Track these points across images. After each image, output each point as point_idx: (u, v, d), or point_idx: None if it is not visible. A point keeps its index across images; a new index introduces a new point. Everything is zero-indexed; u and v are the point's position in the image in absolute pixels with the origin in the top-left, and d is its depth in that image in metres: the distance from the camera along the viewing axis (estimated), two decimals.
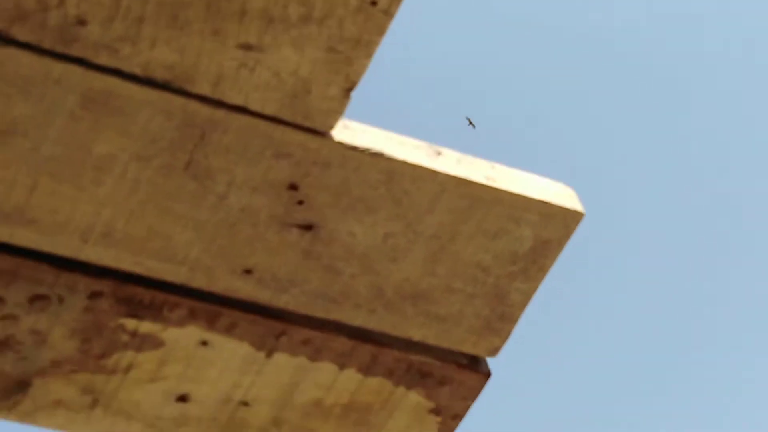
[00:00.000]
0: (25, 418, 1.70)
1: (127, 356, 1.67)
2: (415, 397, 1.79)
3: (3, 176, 1.50)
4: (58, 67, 1.45)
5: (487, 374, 1.79)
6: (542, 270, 1.69)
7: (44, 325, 1.62)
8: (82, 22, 1.43)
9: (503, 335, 1.75)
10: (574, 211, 1.64)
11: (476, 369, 1.79)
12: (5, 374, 1.65)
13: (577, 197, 1.66)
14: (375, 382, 1.76)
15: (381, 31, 1.49)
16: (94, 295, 1.61)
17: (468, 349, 1.76)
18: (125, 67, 1.47)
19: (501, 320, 1.73)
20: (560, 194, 1.64)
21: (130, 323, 1.65)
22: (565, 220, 1.65)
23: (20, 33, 1.42)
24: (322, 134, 1.55)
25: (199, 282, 1.63)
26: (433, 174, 1.59)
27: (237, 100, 1.51)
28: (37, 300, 1.60)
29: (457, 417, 1.82)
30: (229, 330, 1.68)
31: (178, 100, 1.49)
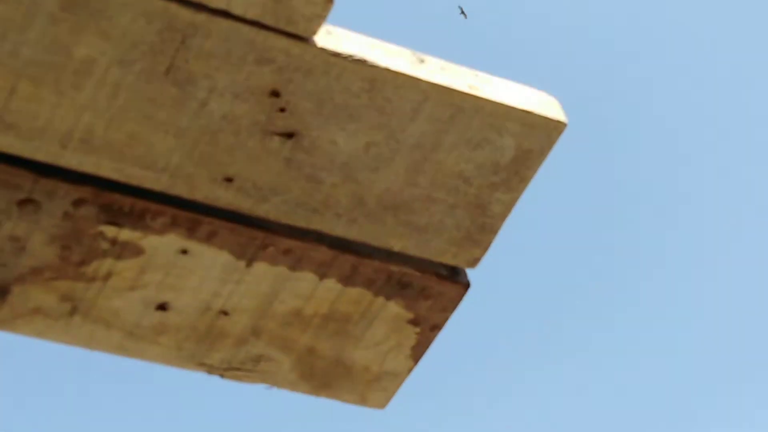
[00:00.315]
0: (3, 325, 1.69)
1: (106, 264, 1.66)
2: (394, 308, 1.79)
3: None
4: None
5: (467, 285, 1.80)
6: (523, 181, 1.69)
7: (23, 231, 1.61)
8: None
9: (483, 246, 1.75)
10: (557, 120, 1.64)
11: (456, 280, 1.79)
12: None
13: (560, 107, 1.66)
14: (355, 292, 1.76)
15: None
16: (73, 202, 1.60)
17: (448, 260, 1.76)
18: None
19: (481, 231, 1.73)
20: (543, 103, 1.64)
21: (110, 230, 1.64)
22: (548, 130, 1.64)
23: None
24: (305, 40, 1.53)
25: (179, 190, 1.62)
26: (415, 82, 1.58)
27: (219, 3, 1.49)
28: (17, 205, 1.59)
29: (436, 328, 1.83)
30: (210, 239, 1.67)
31: (159, 3, 1.47)
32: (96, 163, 1.57)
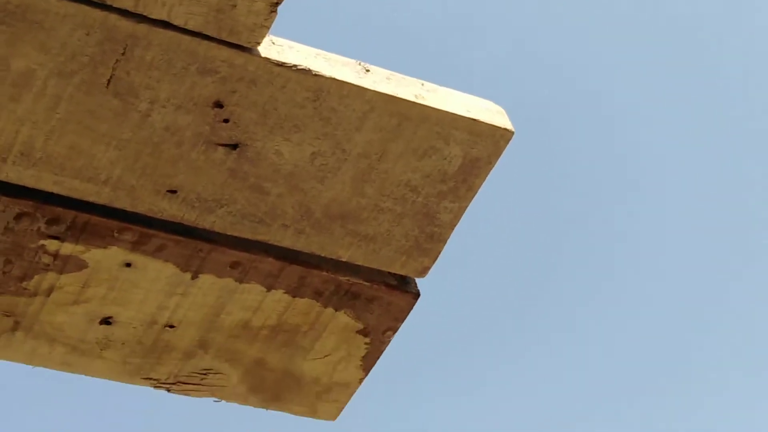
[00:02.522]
0: None
1: (48, 278, 1.63)
2: (343, 318, 1.77)
3: None
4: None
5: (417, 294, 1.78)
6: (471, 189, 1.68)
7: None
8: None
9: (432, 255, 1.73)
10: (504, 129, 1.63)
11: (405, 289, 1.77)
12: None
13: (506, 115, 1.64)
14: (303, 303, 1.74)
15: None
16: (15, 216, 1.57)
17: (397, 269, 1.74)
18: None
19: (430, 240, 1.72)
20: (490, 112, 1.63)
21: (52, 244, 1.61)
22: (494, 138, 1.63)
23: None
24: (249, 50, 1.51)
25: (122, 202, 1.59)
26: (361, 91, 1.57)
27: (160, 14, 1.46)
28: None
29: (387, 337, 1.81)
30: (154, 252, 1.65)
31: (98, 14, 1.45)
32: (36, 176, 1.54)
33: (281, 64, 1.52)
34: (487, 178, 1.67)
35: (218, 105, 1.54)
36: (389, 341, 1.82)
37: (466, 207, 1.70)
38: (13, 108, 1.48)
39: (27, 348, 1.68)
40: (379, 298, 1.77)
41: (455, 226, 1.72)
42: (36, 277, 1.63)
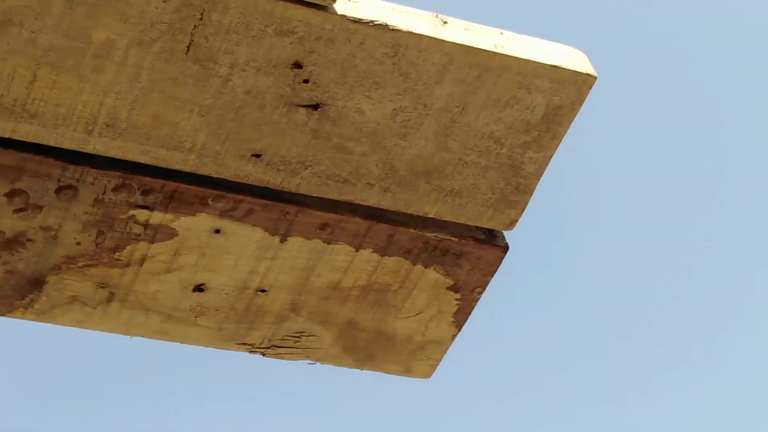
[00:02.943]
0: (42, 316, 1.68)
1: (140, 248, 1.65)
2: (433, 275, 1.77)
3: (1, 69, 1.46)
4: None
5: (505, 248, 1.77)
6: (556, 137, 1.66)
7: (55, 220, 1.60)
8: None
9: (519, 207, 1.72)
10: (586, 74, 1.61)
11: (494, 243, 1.77)
12: (18, 272, 1.63)
13: (589, 60, 1.62)
14: (392, 261, 1.74)
15: None
16: (103, 188, 1.59)
17: (484, 223, 1.73)
18: None
19: (516, 192, 1.71)
20: (571, 57, 1.61)
21: (142, 214, 1.62)
22: (577, 84, 1.61)
23: None
24: (324, 8, 1.51)
25: (208, 169, 1.60)
26: (439, 44, 1.56)
27: None
28: (46, 194, 1.58)
29: (477, 293, 1.80)
30: (242, 217, 1.66)
31: None
32: (123, 147, 1.56)
33: (358, 21, 1.52)
34: (571, 125, 1.65)
35: (297, 66, 1.54)
36: (480, 296, 1.82)
37: (551, 156, 1.68)
38: (96, 80, 1.50)
39: (123, 318, 1.71)
40: (468, 253, 1.76)
41: (541, 176, 1.70)
42: (128, 247, 1.65)
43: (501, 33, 1.60)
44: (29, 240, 1.61)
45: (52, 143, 1.54)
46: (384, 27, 1.53)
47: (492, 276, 1.80)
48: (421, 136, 1.63)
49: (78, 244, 1.62)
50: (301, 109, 1.58)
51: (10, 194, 1.56)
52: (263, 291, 1.73)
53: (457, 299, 1.81)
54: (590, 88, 1.63)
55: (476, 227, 1.76)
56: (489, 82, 1.60)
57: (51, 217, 1.60)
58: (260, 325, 1.77)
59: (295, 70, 1.54)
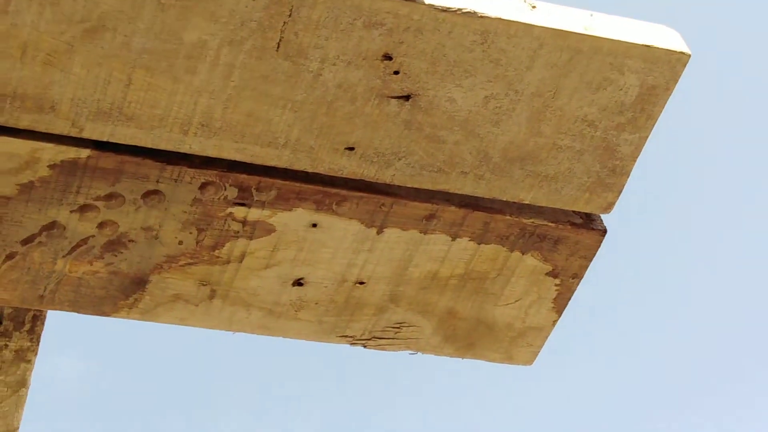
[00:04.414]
0: (146, 315, 1.71)
1: (239, 245, 1.67)
2: (531, 261, 1.76)
3: (97, 74, 1.49)
4: None
5: (603, 231, 1.76)
6: (651, 118, 1.64)
7: (155, 220, 1.63)
8: None
9: (616, 190, 1.71)
10: (680, 52, 1.59)
11: (591, 227, 1.75)
12: (122, 273, 1.66)
13: (682, 38, 1.60)
14: (489, 249, 1.74)
15: None
16: (201, 187, 1.61)
17: (581, 207, 1.72)
18: None
19: (612, 174, 1.69)
20: (663, 37, 1.59)
21: (240, 211, 1.64)
22: (671, 63, 1.59)
23: None
24: None
25: (303, 164, 1.61)
26: (529, 28, 1.55)
27: None
28: (146, 196, 1.60)
29: (576, 277, 1.79)
30: (338, 210, 1.67)
31: None
32: (218, 145, 1.58)
33: (446, 9, 1.52)
34: (666, 104, 1.63)
35: (387, 57, 1.54)
36: (579, 281, 1.81)
37: (647, 137, 1.67)
38: (189, 80, 1.52)
39: (225, 314, 1.73)
40: (566, 237, 1.75)
41: (637, 157, 1.69)
42: (227, 244, 1.67)
43: (590, 15, 1.58)
44: (131, 241, 1.64)
45: (149, 145, 1.56)
46: (472, 14, 1.53)
47: (591, 260, 1.79)
48: (513, 122, 1.62)
49: (180, 243, 1.65)
50: (393, 100, 1.58)
51: (111, 196, 1.59)
52: (362, 283, 1.74)
53: (556, 284, 1.80)
54: (684, 66, 1.61)
55: (573, 212, 1.75)
56: (581, 65, 1.59)
57: (151, 218, 1.62)
58: (360, 317, 1.78)
59: (385, 61, 1.55)
